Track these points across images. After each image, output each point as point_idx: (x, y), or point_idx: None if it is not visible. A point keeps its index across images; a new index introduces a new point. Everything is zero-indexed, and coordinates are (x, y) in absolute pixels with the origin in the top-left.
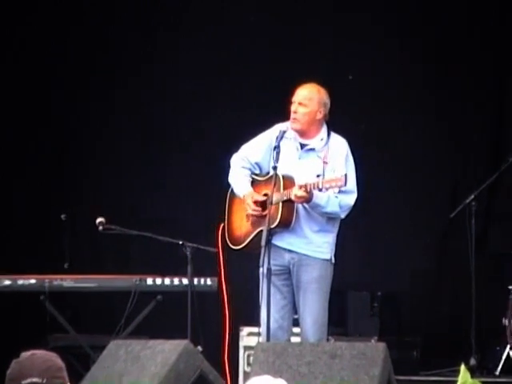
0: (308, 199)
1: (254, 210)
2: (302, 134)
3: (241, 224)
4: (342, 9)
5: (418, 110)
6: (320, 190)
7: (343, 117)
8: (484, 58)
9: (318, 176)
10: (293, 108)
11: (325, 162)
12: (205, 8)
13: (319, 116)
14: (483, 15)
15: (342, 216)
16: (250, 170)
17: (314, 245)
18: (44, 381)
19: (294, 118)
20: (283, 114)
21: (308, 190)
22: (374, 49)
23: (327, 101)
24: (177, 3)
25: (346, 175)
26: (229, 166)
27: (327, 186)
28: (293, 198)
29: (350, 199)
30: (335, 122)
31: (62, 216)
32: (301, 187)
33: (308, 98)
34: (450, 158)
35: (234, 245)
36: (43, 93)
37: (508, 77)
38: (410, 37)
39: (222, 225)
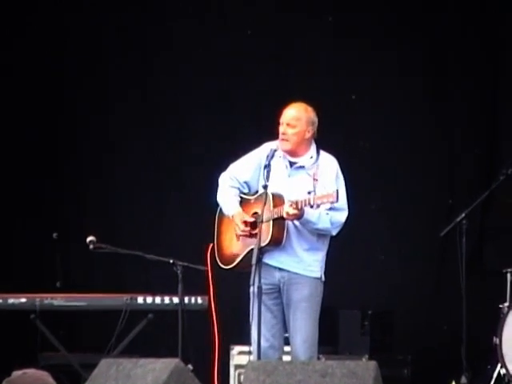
0: (299, 216)
1: (243, 231)
2: (291, 153)
3: (231, 243)
4: (341, 10)
5: (411, 127)
6: (311, 206)
7: (336, 133)
8: (480, 73)
9: (309, 193)
10: (281, 129)
11: (315, 179)
12: (204, 21)
13: (308, 135)
14: (479, 29)
15: (334, 233)
16: (238, 189)
17: (305, 263)
18: None
19: (283, 139)
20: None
21: (299, 207)
22: (372, 55)
23: (315, 119)
24: (176, 20)
25: (337, 191)
26: (217, 185)
27: (319, 202)
28: (284, 215)
29: (341, 216)
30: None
31: (54, 235)
32: (291, 204)
33: (296, 118)
34: (442, 175)
35: (224, 264)
36: (35, 110)
37: (502, 91)
38: (410, 49)
39: (211, 245)
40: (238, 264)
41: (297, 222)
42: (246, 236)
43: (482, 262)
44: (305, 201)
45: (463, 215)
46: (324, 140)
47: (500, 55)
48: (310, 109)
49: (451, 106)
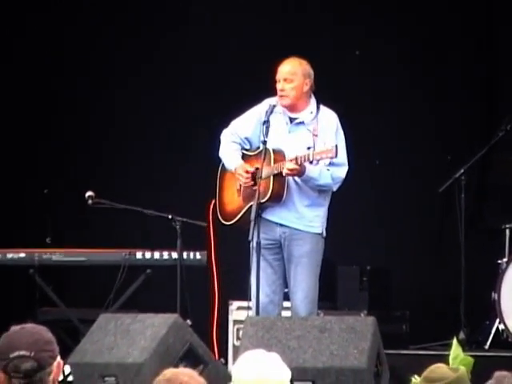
0: (300, 172)
1: (247, 180)
2: (291, 108)
3: (232, 199)
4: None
5: (411, 85)
6: (311, 162)
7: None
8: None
9: (308, 148)
10: (279, 86)
11: (315, 135)
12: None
13: (306, 88)
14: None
15: (334, 189)
16: (240, 144)
17: (306, 219)
18: (32, 354)
19: (282, 95)
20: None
21: (299, 162)
22: (367, 36)
23: (311, 71)
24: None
25: (336, 146)
26: (219, 142)
27: (318, 157)
28: (284, 171)
29: (342, 172)
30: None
31: (45, 191)
32: (292, 160)
33: (292, 72)
34: (441, 132)
35: (225, 220)
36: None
37: (502, 53)
38: (399, 36)
39: (213, 201)
40: (239, 219)
41: (298, 179)
42: (248, 187)
43: (481, 218)
44: (304, 156)
45: (462, 171)
46: (326, 96)
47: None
48: (304, 62)
49: (449, 67)
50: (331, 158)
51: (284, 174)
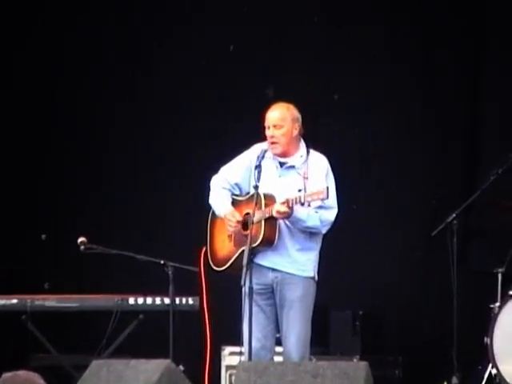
0: (289, 214)
1: (235, 226)
2: (283, 154)
3: (223, 245)
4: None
5: (399, 128)
6: (302, 204)
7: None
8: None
9: (299, 191)
10: (269, 133)
11: (305, 178)
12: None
13: (295, 133)
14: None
15: (323, 231)
16: (229, 190)
17: (298, 263)
18: None
19: (273, 142)
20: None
21: (290, 205)
22: (359, 67)
23: (299, 115)
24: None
25: (327, 188)
26: (209, 188)
27: (309, 199)
28: (274, 214)
29: (331, 214)
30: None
31: (43, 236)
32: (283, 203)
33: (281, 118)
34: (429, 177)
35: (217, 266)
36: (21, 116)
37: (488, 92)
38: (398, 62)
39: (204, 249)
40: (230, 265)
41: (288, 222)
42: (237, 232)
43: (466, 261)
44: (295, 199)
45: (454, 215)
46: (309, 139)
47: (487, 55)
48: (291, 106)
49: (435, 107)
50: (322, 199)
51: (274, 215)
